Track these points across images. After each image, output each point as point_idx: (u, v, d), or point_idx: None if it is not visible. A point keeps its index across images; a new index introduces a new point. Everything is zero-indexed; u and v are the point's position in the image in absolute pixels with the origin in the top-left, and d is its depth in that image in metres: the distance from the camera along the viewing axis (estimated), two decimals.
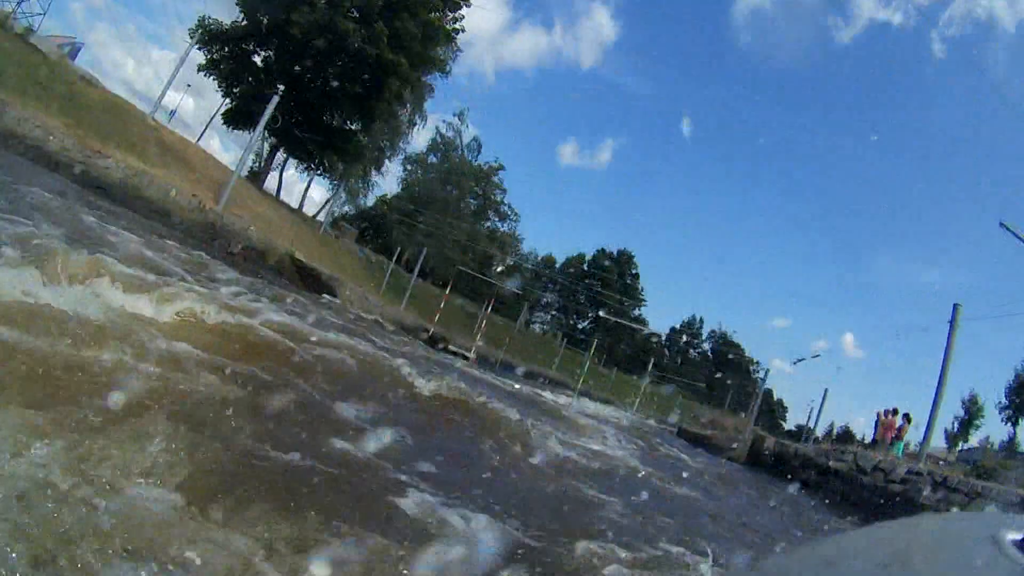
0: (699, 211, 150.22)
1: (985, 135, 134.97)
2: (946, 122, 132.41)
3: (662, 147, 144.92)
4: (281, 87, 30.77)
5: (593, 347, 54.83)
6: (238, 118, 41.12)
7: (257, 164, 46.84)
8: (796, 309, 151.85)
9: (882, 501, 14.91)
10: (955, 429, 58.10)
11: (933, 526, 1.21)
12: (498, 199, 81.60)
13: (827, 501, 15.95)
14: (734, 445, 25.03)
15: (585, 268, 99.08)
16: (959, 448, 49.91)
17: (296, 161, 47.66)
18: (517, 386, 27.09)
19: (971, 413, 54.57)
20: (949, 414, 56.61)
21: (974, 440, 54.37)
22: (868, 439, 26.30)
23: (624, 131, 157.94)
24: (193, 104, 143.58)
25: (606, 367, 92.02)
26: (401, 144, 54.77)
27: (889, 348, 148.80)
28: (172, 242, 14.33)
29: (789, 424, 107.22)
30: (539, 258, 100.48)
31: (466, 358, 32.43)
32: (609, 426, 25.35)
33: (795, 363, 35.60)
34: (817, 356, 33.92)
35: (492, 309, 73.72)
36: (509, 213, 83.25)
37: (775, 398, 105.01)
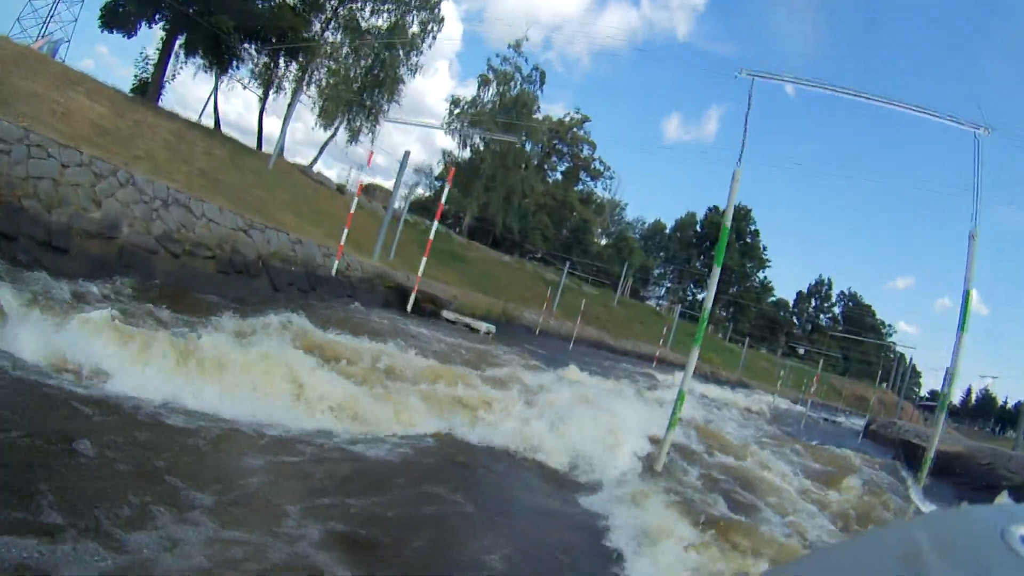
0: (809, 172, 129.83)
1: None
2: None
3: (768, 107, 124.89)
4: None
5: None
6: (114, 18, 24.49)
7: (144, 71, 28.96)
8: (915, 267, 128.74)
9: None
10: None
11: (942, 523, 1.07)
12: (587, 155, 66.13)
13: None
14: None
15: (698, 229, 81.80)
16: None
17: (205, 64, 27.99)
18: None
19: None
20: None
21: None
22: None
23: (727, 98, 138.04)
24: None
25: (732, 342, 75.86)
26: (415, 59, 34.66)
27: (1014, 301, 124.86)
28: None
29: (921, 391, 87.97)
30: (646, 225, 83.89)
31: (473, 330, 18.52)
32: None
33: None
34: None
35: (590, 282, 59.91)
36: (602, 170, 67.52)
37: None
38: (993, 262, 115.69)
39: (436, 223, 21.21)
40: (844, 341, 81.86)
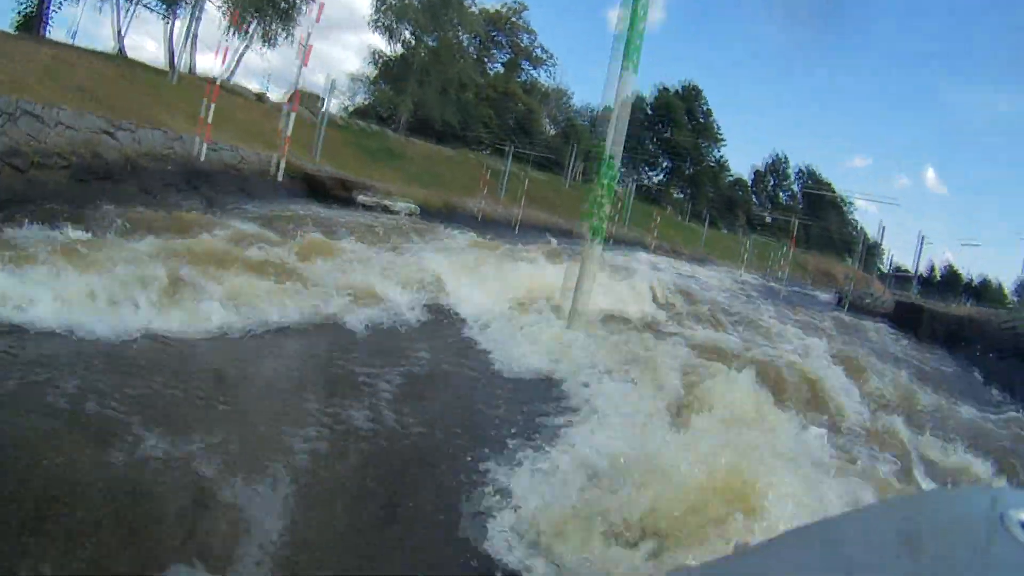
0: (758, 49, 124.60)
1: None
2: None
3: None
4: None
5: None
6: None
7: (28, 5, 25.21)
8: (874, 147, 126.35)
9: None
10: None
11: (940, 504, 1.08)
12: (527, 44, 63.42)
13: None
14: None
15: (648, 112, 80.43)
16: None
17: None
18: None
19: None
20: None
21: None
22: None
23: None
24: None
25: (691, 221, 76.31)
26: None
27: (972, 180, 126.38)
28: None
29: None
30: (596, 112, 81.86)
31: (390, 211, 18.34)
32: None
33: None
34: None
35: (539, 167, 58.87)
36: (544, 57, 65.06)
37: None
38: (950, 139, 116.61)
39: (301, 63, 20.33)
40: (808, 213, 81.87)
